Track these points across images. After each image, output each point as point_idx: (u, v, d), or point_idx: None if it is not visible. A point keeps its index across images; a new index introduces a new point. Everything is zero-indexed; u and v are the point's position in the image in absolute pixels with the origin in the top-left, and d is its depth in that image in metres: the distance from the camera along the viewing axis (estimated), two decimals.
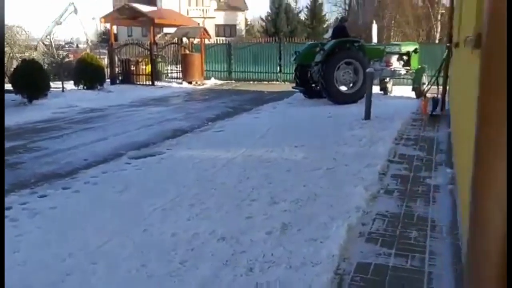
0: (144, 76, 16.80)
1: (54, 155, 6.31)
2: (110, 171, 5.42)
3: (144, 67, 16.90)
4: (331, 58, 10.78)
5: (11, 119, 9.06)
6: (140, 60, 16.76)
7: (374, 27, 13.28)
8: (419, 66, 12.05)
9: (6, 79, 15.02)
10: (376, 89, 11.95)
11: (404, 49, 12.19)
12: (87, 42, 21.30)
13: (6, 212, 4.04)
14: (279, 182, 4.84)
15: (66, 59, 18.16)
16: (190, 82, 17.12)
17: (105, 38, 32.46)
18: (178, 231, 3.56)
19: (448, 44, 8.80)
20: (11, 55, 17.76)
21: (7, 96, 11.68)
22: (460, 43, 4.86)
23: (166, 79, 18.13)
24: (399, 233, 3.48)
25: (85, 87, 13.87)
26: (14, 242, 3.40)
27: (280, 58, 18.34)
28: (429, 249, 3.21)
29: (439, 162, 5.56)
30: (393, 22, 30.54)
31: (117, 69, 16.92)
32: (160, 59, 17.84)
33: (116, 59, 16.88)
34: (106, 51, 19.63)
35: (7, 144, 6.99)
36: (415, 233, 3.48)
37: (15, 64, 16.39)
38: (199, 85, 17.10)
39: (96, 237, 3.45)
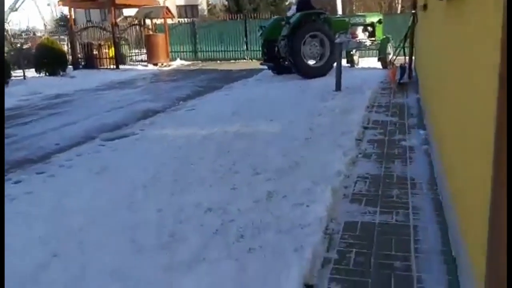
0: (107, 60, 16.33)
1: (24, 141, 6.10)
2: (84, 153, 5.29)
3: (107, 50, 16.40)
4: (297, 31, 10.70)
5: None
6: (102, 43, 16.25)
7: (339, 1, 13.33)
8: (384, 37, 12.18)
9: None
10: (343, 61, 12.12)
11: (369, 20, 12.31)
12: (45, 27, 20.46)
13: None
14: (259, 154, 4.85)
15: (25, 46, 17.41)
16: (155, 64, 16.78)
17: (62, 24, 31.31)
18: (163, 206, 3.53)
19: (413, 11, 8.92)
20: None
21: None
22: (430, 3, 4.95)
23: (130, 62, 17.70)
24: (382, 192, 3.57)
25: (47, 74, 13.38)
26: None
27: (246, 36, 18.19)
28: (411, 205, 3.31)
29: (412, 125, 5.70)
30: None
31: (79, 54, 16.36)
32: (123, 42, 17.37)
33: (78, 43, 16.31)
34: (65, 37, 18.97)
35: None
36: (397, 191, 3.58)
37: None
38: (165, 66, 16.78)
39: (79, 218, 3.37)
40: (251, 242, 2.88)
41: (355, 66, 12.83)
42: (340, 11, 13.22)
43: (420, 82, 7.74)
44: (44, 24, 20.75)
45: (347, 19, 12.24)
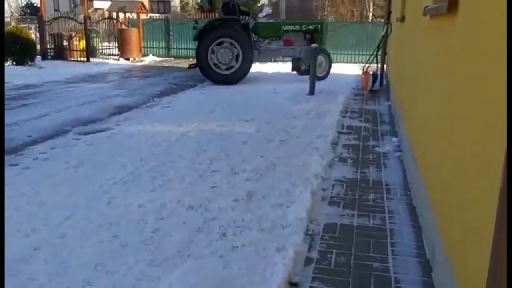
0: (78, 52, 15.96)
1: None
2: (58, 147, 5.19)
3: (77, 42, 16.03)
4: (204, 37, 10.60)
5: None
6: (73, 35, 15.86)
7: (282, 3, 13.37)
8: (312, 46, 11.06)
9: None
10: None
11: (305, 27, 11.42)
12: (11, 14, 19.76)
13: None
14: (236, 153, 4.90)
15: None
16: (127, 59, 16.52)
17: (28, 12, 30.35)
18: (144, 202, 3.53)
19: (387, 21, 9.21)
20: None
21: None
22: (409, 15, 5.14)
23: (101, 56, 17.35)
24: (358, 196, 3.70)
25: (14, 63, 12.95)
26: None
27: None
28: (387, 209, 3.45)
29: (384, 132, 5.90)
30: (327, 2, 31.25)
31: (48, 44, 15.91)
32: (94, 34, 17.01)
33: (47, 33, 15.86)
34: (32, 25, 18.40)
35: None
36: (373, 195, 3.72)
37: None
38: (137, 61, 16.55)
39: (58, 212, 3.34)
40: (234, 240, 2.94)
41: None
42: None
43: (392, 90, 7.99)
44: (11, 12, 20.02)
45: (278, 25, 11.75)
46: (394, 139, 5.44)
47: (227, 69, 10.73)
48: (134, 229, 3.07)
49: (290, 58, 11.91)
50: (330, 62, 11.09)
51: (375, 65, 9.72)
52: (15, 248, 2.80)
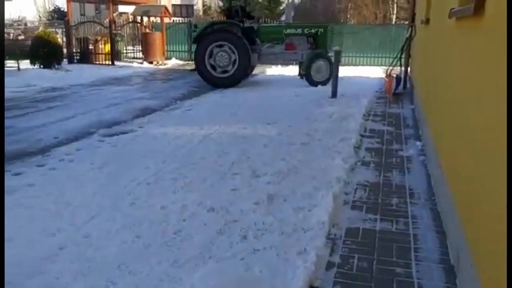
0: (103, 56, 16.26)
1: (22, 133, 6.07)
2: (84, 148, 5.29)
3: (102, 46, 16.34)
4: (202, 41, 10.74)
5: None
6: (99, 38, 16.17)
7: (289, 6, 13.29)
8: (316, 51, 10.83)
9: None
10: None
11: (308, 30, 11.16)
12: (39, 19, 20.28)
13: None
14: (258, 156, 4.91)
15: (20, 37, 17.25)
16: (151, 62, 16.75)
17: (55, 16, 31.07)
18: (167, 203, 3.57)
19: (412, 24, 9.09)
20: None
21: None
22: (433, 18, 5.06)
23: (125, 59, 17.64)
24: (381, 200, 3.66)
25: (42, 66, 13.27)
26: None
27: None
28: (410, 213, 3.40)
29: (408, 135, 5.82)
30: (350, 4, 31.05)
31: (74, 48, 16.26)
32: (118, 38, 17.30)
33: (74, 37, 16.21)
34: (59, 30, 18.81)
35: None
36: (396, 199, 3.67)
37: None
38: (161, 65, 16.76)
39: (83, 212, 3.40)
40: (255, 243, 2.94)
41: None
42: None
43: (416, 93, 7.88)
44: (39, 16, 20.54)
45: (281, 29, 11.54)
46: (418, 143, 5.36)
47: (224, 72, 10.82)
48: (157, 230, 3.11)
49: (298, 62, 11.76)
50: (331, 67, 10.48)
51: (399, 68, 9.60)
52: (42, 247, 2.87)
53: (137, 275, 2.53)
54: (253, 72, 13.31)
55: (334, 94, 8.81)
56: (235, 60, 10.64)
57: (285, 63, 12.46)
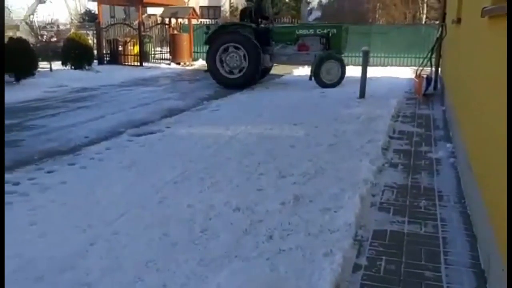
0: (131, 57, 16.56)
1: (54, 133, 6.25)
2: (113, 147, 5.40)
3: (131, 47, 16.64)
4: (213, 42, 10.86)
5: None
6: (128, 40, 16.48)
7: (304, 6, 13.15)
8: (327, 52, 10.66)
9: None
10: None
11: (320, 31, 11.02)
12: (71, 21, 20.82)
13: (14, 188, 4.03)
14: (284, 157, 4.91)
15: (53, 39, 17.75)
16: (178, 63, 16.95)
17: (86, 19, 31.81)
18: (193, 202, 3.60)
19: (442, 23, 8.90)
20: None
21: None
22: (465, 17, 4.95)
23: (153, 60, 17.91)
24: (409, 203, 3.60)
25: (73, 67, 13.63)
26: (30, 215, 3.41)
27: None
28: (439, 216, 3.34)
29: (438, 137, 5.71)
30: (378, 4, 30.66)
31: (104, 49, 16.62)
32: (147, 40, 17.58)
33: (104, 39, 16.57)
34: (89, 31, 19.26)
35: None
36: (424, 202, 3.60)
37: None
38: (188, 66, 16.94)
39: (113, 209, 3.47)
40: (280, 243, 2.94)
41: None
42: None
43: (447, 94, 7.71)
44: (71, 18, 21.08)
45: (293, 30, 11.45)
46: (448, 145, 5.25)
47: (234, 73, 10.89)
48: (184, 228, 3.14)
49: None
50: (343, 69, 10.49)
51: (429, 68, 9.42)
52: (73, 243, 2.94)
53: (164, 272, 2.56)
54: (280, 73, 13.31)
55: (362, 95, 8.73)
56: (245, 61, 10.72)
57: (298, 64, 12.34)
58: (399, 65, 15.67)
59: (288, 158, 4.84)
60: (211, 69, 10.98)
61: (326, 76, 10.45)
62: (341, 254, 2.71)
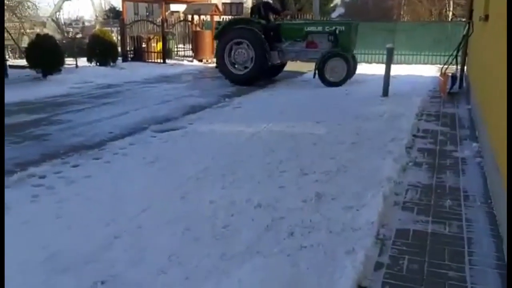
0: (155, 54, 16.73)
1: (79, 128, 6.38)
2: (137, 143, 5.48)
3: (155, 44, 16.81)
4: (222, 37, 10.98)
5: (29, 94, 9.14)
6: (151, 37, 16.66)
7: (316, 2, 12.93)
8: (330, 50, 10.47)
9: (17, 54, 15.05)
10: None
11: (328, 28, 10.80)
12: (96, 18, 21.16)
13: (40, 181, 4.13)
14: (306, 155, 4.89)
15: (78, 36, 18.09)
16: (200, 60, 17.04)
17: (111, 16, 32.34)
18: (215, 198, 3.63)
19: (469, 21, 8.72)
20: (21, 31, 17.76)
21: (19, 72, 11.74)
22: (493, 14, 4.84)
23: (176, 57, 18.05)
24: (434, 202, 3.54)
25: (98, 64, 13.86)
26: (55, 208, 3.49)
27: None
28: (465, 216, 3.28)
29: (463, 136, 5.60)
30: (403, 1, 30.21)
31: (128, 46, 16.84)
32: (170, 37, 17.73)
33: (128, 36, 16.79)
34: (114, 28, 19.54)
35: (31, 117, 7.07)
36: (449, 202, 3.54)
37: (26, 40, 16.41)
38: (210, 63, 17.01)
39: (136, 204, 3.53)
40: (302, 240, 2.94)
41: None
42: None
43: (473, 92, 7.55)
44: (96, 15, 21.45)
45: (301, 27, 11.25)
46: (474, 144, 5.14)
47: (242, 69, 10.97)
48: (206, 223, 3.17)
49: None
50: (349, 67, 10.23)
51: (455, 66, 9.24)
52: (98, 236, 3.00)
53: (187, 266, 2.59)
54: (302, 70, 13.25)
55: (385, 93, 8.62)
56: (252, 58, 10.77)
57: (306, 61, 12.33)
58: (424, 63, 15.41)
59: (310, 156, 4.83)
60: (220, 65, 11.15)
61: (331, 74, 10.29)
62: (363, 252, 2.69)
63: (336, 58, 10.26)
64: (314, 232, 3.05)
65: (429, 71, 13.16)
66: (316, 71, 10.38)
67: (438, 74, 10.26)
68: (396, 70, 11.68)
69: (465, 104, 7.81)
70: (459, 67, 9.25)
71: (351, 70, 10.39)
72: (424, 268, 2.58)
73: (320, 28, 10.92)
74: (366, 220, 3.16)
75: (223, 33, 11.08)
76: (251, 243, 2.88)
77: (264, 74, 11.25)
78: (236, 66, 11.01)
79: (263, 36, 10.69)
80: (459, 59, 9.22)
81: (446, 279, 2.47)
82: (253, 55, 10.72)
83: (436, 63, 14.51)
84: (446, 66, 9.11)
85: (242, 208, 3.46)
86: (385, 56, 9.06)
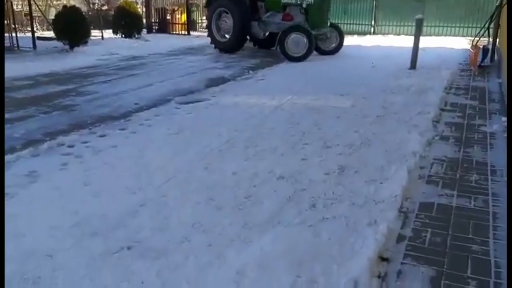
0: (179, 26, 16.69)
1: (106, 99, 6.48)
2: (161, 114, 5.54)
3: (179, 16, 16.74)
4: (210, 5, 11.58)
5: (56, 65, 9.29)
6: (176, 9, 16.59)
7: None
8: (290, 23, 10.55)
9: (43, 26, 15.23)
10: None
11: (300, 1, 10.67)
12: None
13: (69, 150, 4.24)
14: (329, 128, 4.86)
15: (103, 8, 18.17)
16: None
17: None
18: (238, 170, 3.66)
19: None
20: (49, 2, 17.94)
21: (47, 43, 11.92)
22: None
23: (200, 29, 17.95)
24: (459, 176, 3.49)
25: (123, 35, 13.94)
26: (83, 176, 3.59)
27: None
28: (491, 191, 3.22)
29: (493, 110, 5.45)
30: None
31: (153, 18, 16.83)
32: (195, 8, 17.61)
33: (152, 8, 16.76)
34: (139, 0, 19.51)
35: (59, 88, 7.21)
36: (476, 176, 3.48)
37: (53, 12, 16.58)
38: None
39: (161, 174, 3.59)
40: (324, 211, 2.95)
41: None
42: None
43: (504, 65, 7.29)
44: None
45: None
46: (503, 118, 5.00)
47: (226, 37, 11.57)
48: (229, 194, 3.21)
49: None
50: (310, 42, 10.09)
51: (486, 38, 8.91)
52: (124, 203, 3.08)
53: (210, 234, 2.65)
54: None
55: (413, 66, 8.43)
56: (231, 26, 11.26)
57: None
58: (455, 35, 14.91)
59: (334, 129, 4.79)
60: (208, 32, 11.84)
61: (292, 49, 10.18)
62: (385, 224, 2.69)
63: (296, 33, 10.16)
64: (336, 204, 3.06)
65: (460, 43, 12.77)
66: (277, 44, 10.45)
67: (469, 46, 9.93)
68: (425, 42, 11.38)
69: (496, 77, 7.56)
70: (491, 39, 8.92)
71: (312, 45, 10.27)
72: (447, 241, 2.56)
73: (294, 1, 10.85)
74: (390, 193, 3.14)
75: (211, 2, 11.54)
76: (273, 213, 2.91)
77: (241, 44, 11.69)
78: (220, 34, 11.62)
79: (246, 6, 11.07)
80: (491, 31, 8.87)
81: (470, 252, 2.46)
82: (232, 24, 11.17)
83: (468, 35, 14.03)
84: (477, 38, 8.79)
85: (265, 180, 3.48)
86: (414, 28, 8.81)
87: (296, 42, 10.13)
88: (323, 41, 11.00)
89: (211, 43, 11.88)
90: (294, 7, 10.85)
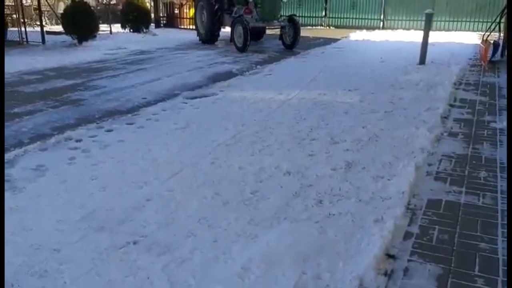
0: (187, 20, 16.67)
1: (114, 93, 6.49)
2: (169, 109, 5.54)
3: (187, 10, 16.72)
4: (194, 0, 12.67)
5: (65, 59, 9.34)
6: (184, 3, 16.56)
7: None
8: (234, 17, 11.33)
9: (51, 21, 15.28)
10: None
11: None
12: None
13: (77, 144, 4.26)
14: (337, 123, 4.83)
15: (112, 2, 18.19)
16: None
17: None
18: (244, 164, 3.65)
19: None
20: None
21: (56, 38, 11.97)
22: None
23: None
24: (468, 173, 3.45)
25: (131, 30, 13.95)
26: (90, 170, 3.60)
27: (326, 1, 17.74)
28: (500, 188, 3.18)
29: (503, 106, 5.39)
30: None
31: (161, 13, 16.82)
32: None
33: (160, 2, 16.75)
34: None
35: (67, 82, 7.24)
36: (484, 173, 3.45)
37: (61, 6, 16.64)
38: None
39: (168, 168, 3.60)
40: (330, 207, 2.94)
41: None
42: None
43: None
44: None
45: None
46: None
47: (203, 29, 12.48)
48: (235, 189, 3.21)
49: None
50: (246, 34, 10.64)
51: (497, 33, 8.80)
52: (131, 197, 3.09)
53: (216, 229, 2.65)
54: (336, 37, 12.97)
55: (422, 61, 8.35)
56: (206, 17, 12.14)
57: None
58: (465, 30, 14.75)
59: (341, 125, 4.77)
60: (195, 25, 12.80)
61: (237, 40, 10.99)
62: (392, 221, 2.67)
63: (239, 25, 10.87)
64: (342, 200, 3.04)
65: (470, 38, 12.62)
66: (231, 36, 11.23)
67: (479, 41, 9.82)
68: (435, 37, 11.26)
69: (506, 73, 7.46)
70: (502, 34, 8.80)
71: (248, 36, 10.77)
72: (454, 239, 2.54)
73: None
74: (397, 190, 3.12)
75: None
76: (279, 209, 2.90)
77: (214, 36, 12.42)
78: (203, 26, 12.33)
79: (218, 0, 11.79)
80: (502, 26, 8.75)
81: (477, 250, 2.43)
82: (205, 18, 12.08)
83: (478, 30, 13.86)
84: (488, 33, 8.68)
85: (271, 175, 3.47)
86: (423, 23, 8.72)
87: (239, 34, 10.92)
88: (284, 34, 11.61)
89: (196, 35, 12.77)
90: (252, 2, 11.44)
